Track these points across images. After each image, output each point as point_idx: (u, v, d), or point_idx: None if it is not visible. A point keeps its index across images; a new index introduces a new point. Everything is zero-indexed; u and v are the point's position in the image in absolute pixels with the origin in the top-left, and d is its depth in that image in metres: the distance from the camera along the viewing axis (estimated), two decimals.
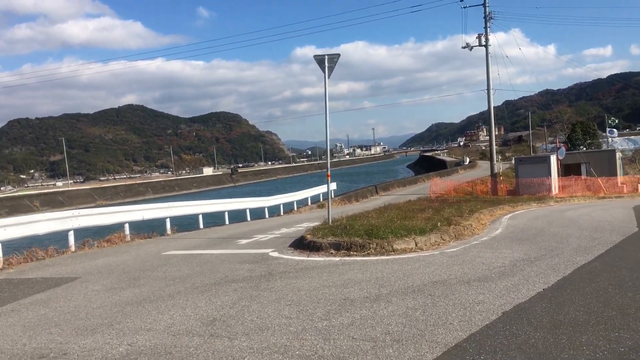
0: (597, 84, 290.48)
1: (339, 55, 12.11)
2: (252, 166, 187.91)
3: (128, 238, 13.17)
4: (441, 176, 45.30)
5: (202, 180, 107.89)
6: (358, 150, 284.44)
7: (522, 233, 10.68)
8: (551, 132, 75.72)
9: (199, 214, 17.92)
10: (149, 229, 15.18)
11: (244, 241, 11.70)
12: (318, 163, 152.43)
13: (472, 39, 30.90)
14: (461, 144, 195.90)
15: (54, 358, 4.33)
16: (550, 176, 25.87)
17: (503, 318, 4.63)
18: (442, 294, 5.63)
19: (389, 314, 4.94)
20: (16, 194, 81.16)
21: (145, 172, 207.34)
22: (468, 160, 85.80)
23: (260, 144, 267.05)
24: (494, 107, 31.57)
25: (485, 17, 30.14)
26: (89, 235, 13.47)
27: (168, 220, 15.34)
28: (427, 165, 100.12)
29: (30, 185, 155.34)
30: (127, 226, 13.37)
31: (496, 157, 35.55)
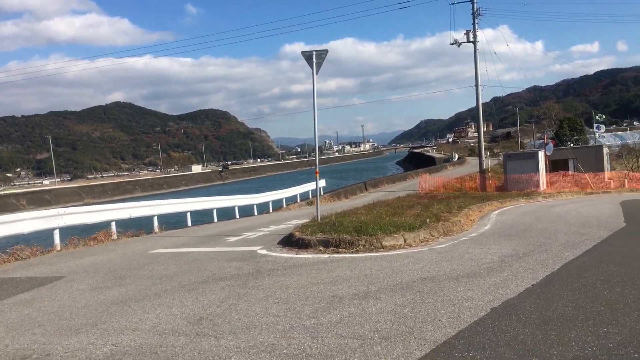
0: (584, 80, 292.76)
1: (326, 51, 12.05)
2: (242, 163, 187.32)
3: (115, 236, 13.05)
4: (430, 172, 45.40)
5: (191, 177, 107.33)
6: (347, 147, 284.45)
7: (511, 229, 10.70)
8: (539, 129, 76.04)
9: (187, 212, 17.79)
10: (137, 227, 15.05)
11: (232, 239, 11.63)
12: (307, 160, 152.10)
13: (460, 36, 30.89)
14: (450, 140, 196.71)
15: (37, 359, 4.24)
16: (539, 172, 26.00)
17: (492, 314, 4.61)
18: (431, 290, 5.60)
19: (377, 311, 4.91)
20: (2, 192, 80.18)
21: (134, 170, 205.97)
22: (457, 156, 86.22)
23: (249, 141, 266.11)
24: (482, 103, 31.66)
25: (473, 14, 30.19)
26: (75, 234, 13.32)
27: (156, 218, 15.22)
28: (416, 162, 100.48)
29: (17, 183, 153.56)
30: (113, 224, 13.25)
31: (485, 154, 35.73)
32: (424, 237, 9.33)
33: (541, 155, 27.01)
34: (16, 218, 10.93)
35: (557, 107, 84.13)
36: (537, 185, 25.21)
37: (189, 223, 17.51)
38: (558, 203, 17.90)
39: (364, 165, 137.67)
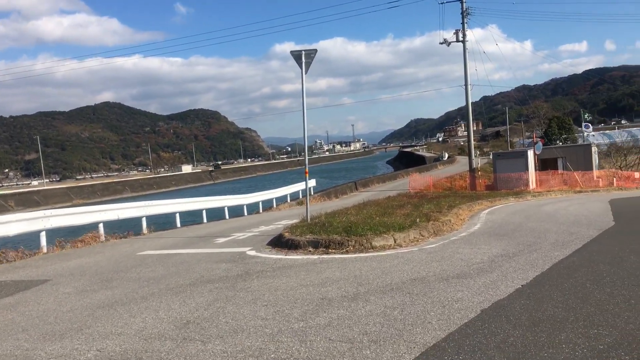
0: (573, 79, 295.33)
1: (315, 50, 11.99)
2: (232, 163, 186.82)
3: (103, 238, 12.90)
4: (420, 172, 45.47)
5: (181, 178, 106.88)
6: (338, 147, 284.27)
7: (500, 228, 10.70)
8: (528, 127, 76.47)
9: (176, 213, 17.66)
10: (127, 228, 14.94)
11: (221, 240, 11.54)
12: (298, 160, 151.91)
13: (449, 35, 30.98)
14: (440, 139, 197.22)
15: None
16: (528, 171, 26.13)
17: (482, 316, 4.57)
18: (421, 291, 5.55)
19: (366, 314, 4.85)
20: None
21: (123, 170, 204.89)
22: (447, 155, 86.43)
23: (240, 141, 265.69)
24: (472, 102, 31.78)
25: (462, 13, 30.28)
26: (63, 236, 13.18)
27: (144, 220, 15.07)
28: (407, 161, 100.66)
29: (5, 184, 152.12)
30: (101, 226, 13.10)
31: (474, 153, 35.84)
32: (414, 237, 9.30)
33: (530, 154, 27.13)
34: (1, 220, 10.76)
35: (546, 106, 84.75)
36: (527, 184, 25.32)
37: (178, 224, 17.39)
38: (547, 202, 17.96)
39: (354, 165, 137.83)
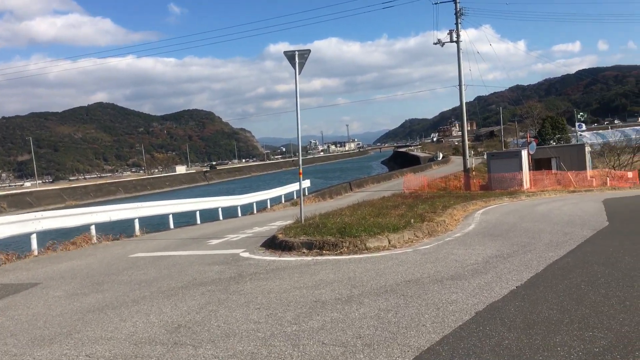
0: (566, 79, 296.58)
1: (309, 51, 11.95)
2: (227, 164, 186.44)
3: (95, 240, 12.79)
4: (415, 172, 45.48)
5: (175, 178, 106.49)
6: (332, 147, 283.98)
7: (495, 228, 10.68)
8: (522, 127, 76.76)
9: (170, 214, 17.55)
10: (119, 230, 14.82)
11: (214, 241, 11.46)
12: (292, 160, 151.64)
13: (443, 35, 31.01)
14: (434, 139, 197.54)
15: None
16: (522, 171, 26.16)
17: (476, 318, 4.53)
18: (415, 293, 5.51)
19: (360, 317, 4.80)
20: None
21: (117, 171, 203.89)
22: (441, 155, 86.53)
23: (234, 142, 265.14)
24: (466, 102, 31.80)
25: (456, 14, 30.30)
26: (55, 238, 13.05)
27: (137, 221, 14.96)
28: (401, 161, 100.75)
29: None
30: (93, 228, 12.98)
31: (469, 153, 35.90)
32: (409, 238, 9.26)
33: (524, 154, 27.18)
34: None
35: (540, 106, 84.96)
36: (521, 184, 25.36)
37: (172, 225, 17.28)
38: (541, 202, 17.97)
39: (349, 165, 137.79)
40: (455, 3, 30.29)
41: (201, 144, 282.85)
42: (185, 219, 21.33)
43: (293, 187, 30.81)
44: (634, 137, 60.47)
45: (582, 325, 4.16)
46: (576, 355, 3.58)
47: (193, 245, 11.12)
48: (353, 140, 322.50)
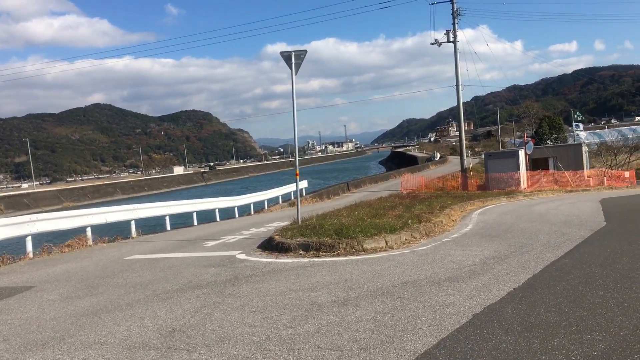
0: (563, 79, 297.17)
1: (305, 51, 11.92)
2: (224, 164, 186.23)
3: (90, 242, 12.72)
4: (412, 172, 45.48)
5: (172, 179, 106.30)
6: (330, 147, 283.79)
7: (492, 229, 10.64)
8: (519, 127, 76.74)
9: (166, 215, 17.47)
10: (116, 231, 14.74)
11: (211, 243, 11.40)
12: (290, 160, 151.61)
13: (440, 36, 31.01)
14: (432, 139, 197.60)
15: None
16: (519, 171, 26.14)
17: (474, 321, 4.48)
18: (412, 296, 5.46)
19: (356, 320, 4.75)
20: None
21: (114, 172, 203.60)
22: (439, 155, 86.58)
23: (232, 142, 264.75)
24: (463, 102, 31.78)
25: (453, 14, 30.27)
26: (51, 240, 12.98)
27: (133, 223, 14.90)
28: (399, 161, 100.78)
29: None
30: (89, 230, 12.92)
31: (466, 153, 35.88)
32: (406, 239, 9.22)
33: (522, 153, 27.15)
34: None
35: (537, 105, 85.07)
36: (518, 184, 25.34)
37: (168, 227, 17.20)
38: (539, 202, 17.95)
39: (346, 165, 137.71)
40: (452, 3, 30.28)
41: (199, 144, 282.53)
42: (182, 220, 21.26)
43: (290, 188, 30.76)
44: (630, 136, 60.66)
45: (580, 328, 4.12)
46: (574, 358, 3.54)
47: (189, 247, 11.06)
48: (351, 141, 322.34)
